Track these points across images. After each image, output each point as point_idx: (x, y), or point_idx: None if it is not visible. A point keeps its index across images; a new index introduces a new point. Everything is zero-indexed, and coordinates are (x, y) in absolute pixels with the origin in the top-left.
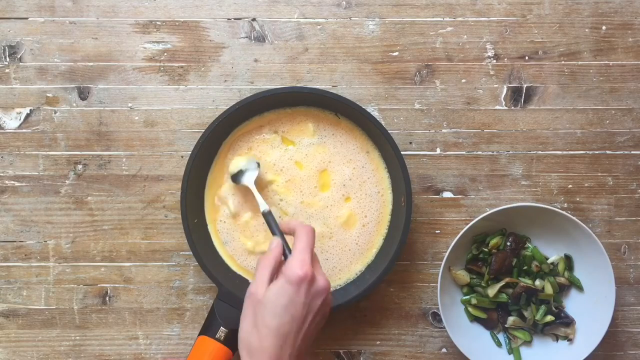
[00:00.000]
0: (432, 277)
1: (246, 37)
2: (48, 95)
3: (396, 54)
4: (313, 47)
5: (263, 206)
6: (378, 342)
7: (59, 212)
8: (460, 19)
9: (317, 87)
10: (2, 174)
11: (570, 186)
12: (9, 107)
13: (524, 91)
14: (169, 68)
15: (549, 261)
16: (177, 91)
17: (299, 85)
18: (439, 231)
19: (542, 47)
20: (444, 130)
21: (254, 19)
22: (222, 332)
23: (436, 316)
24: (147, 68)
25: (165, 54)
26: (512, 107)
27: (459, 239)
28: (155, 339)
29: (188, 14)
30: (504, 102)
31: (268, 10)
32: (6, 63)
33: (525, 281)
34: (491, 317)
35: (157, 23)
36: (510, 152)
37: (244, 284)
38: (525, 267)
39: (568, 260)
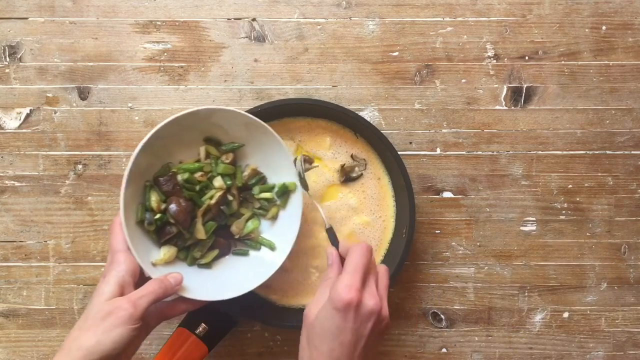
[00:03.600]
0: (432, 277)
1: (246, 37)
2: (48, 95)
3: (396, 54)
4: (313, 47)
5: (327, 223)
6: None
7: (59, 212)
8: (460, 19)
9: (318, 87)
10: (2, 174)
11: (570, 186)
12: (9, 107)
13: (524, 91)
14: (169, 68)
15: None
16: (177, 91)
17: (299, 86)
18: (439, 231)
19: (542, 47)
20: (444, 130)
21: (254, 19)
22: (202, 328)
23: (436, 316)
24: (147, 68)
25: (165, 54)
26: (512, 107)
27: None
28: (155, 339)
29: (188, 14)
30: (504, 102)
31: (268, 10)
32: (6, 63)
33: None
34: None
35: (157, 23)
36: (510, 152)
37: None
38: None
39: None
